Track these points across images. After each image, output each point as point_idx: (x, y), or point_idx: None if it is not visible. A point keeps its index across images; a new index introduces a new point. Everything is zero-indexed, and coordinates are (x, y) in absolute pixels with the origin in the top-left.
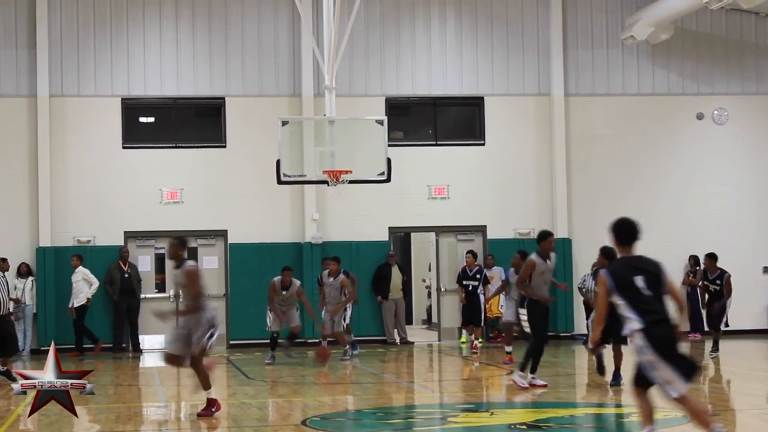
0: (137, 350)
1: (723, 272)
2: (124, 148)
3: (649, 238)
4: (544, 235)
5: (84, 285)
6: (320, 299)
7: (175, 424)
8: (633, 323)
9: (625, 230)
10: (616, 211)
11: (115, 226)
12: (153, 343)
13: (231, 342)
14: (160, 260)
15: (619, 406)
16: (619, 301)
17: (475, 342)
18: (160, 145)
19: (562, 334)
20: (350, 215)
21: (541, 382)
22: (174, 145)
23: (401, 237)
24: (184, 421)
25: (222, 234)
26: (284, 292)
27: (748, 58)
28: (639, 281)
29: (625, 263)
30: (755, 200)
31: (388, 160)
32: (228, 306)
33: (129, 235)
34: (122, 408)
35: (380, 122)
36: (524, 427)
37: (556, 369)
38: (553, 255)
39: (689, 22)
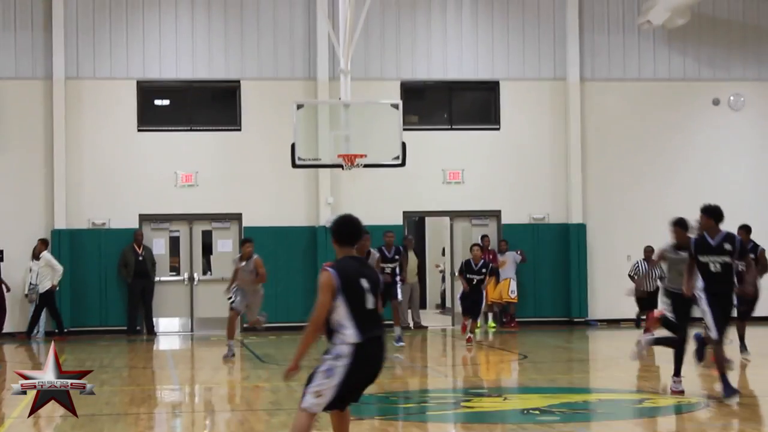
0: (151, 333)
1: (756, 245)
2: (139, 130)
3: (664, 223)
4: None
5: (48, 270)
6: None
7: (189, 406)
8: (347, 335)
9: (347, 229)
10: (631, 196)
11: (130, 209)
12: (167, 326)
13: (244, 326)
14: (174, 243)
15: (632, 391)
16: (339, 305)
17: (470, 335)
18: (175, 128)
19: (576, 320)
20: (365, 199)
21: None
22: (189, 128)
23: (415, 221)
24: (198, 403)
25: (237, 217)
26: (243, 263)
27: (765, 44)
28: (364, 283)
29: (346, 263)
30: None
31: (403, 144)
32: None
33: (144, 218)
34: (136, 390)
35: (395, 106)
36: (537, 412)
37: (570, 354)
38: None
39: (706, 6)
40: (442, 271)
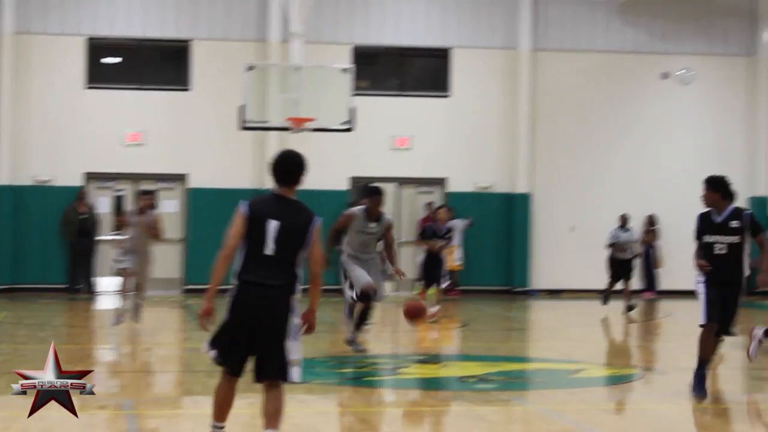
0: (92, 292)
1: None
2: (87, 88)
3: (609, 195)
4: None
5: None
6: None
7: (128, 366)
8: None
9: (280, 166)
10: (577, 168)
11: (75, 167)
12: (108, 285)
13: (187, 287)
14: (119, 202)
15: (569, 361)
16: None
17: (434, 308)
18: (124, 87)
19: (517, 289)
20: (312, 164)
21: None
22: (138, 87)
23: (362, 187)
24: (137, 364)
25: (182, 178)
26: (139, 218)
27: (715, 19)
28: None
29: (267, 199)
30: (716, 160)
31: (352, 110)
32: (187, 251)
33: (89, 177)
34: (74, 349)
35: (346, 71)
36: (474, 379)
37: (510, 323)
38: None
39: None
40: None
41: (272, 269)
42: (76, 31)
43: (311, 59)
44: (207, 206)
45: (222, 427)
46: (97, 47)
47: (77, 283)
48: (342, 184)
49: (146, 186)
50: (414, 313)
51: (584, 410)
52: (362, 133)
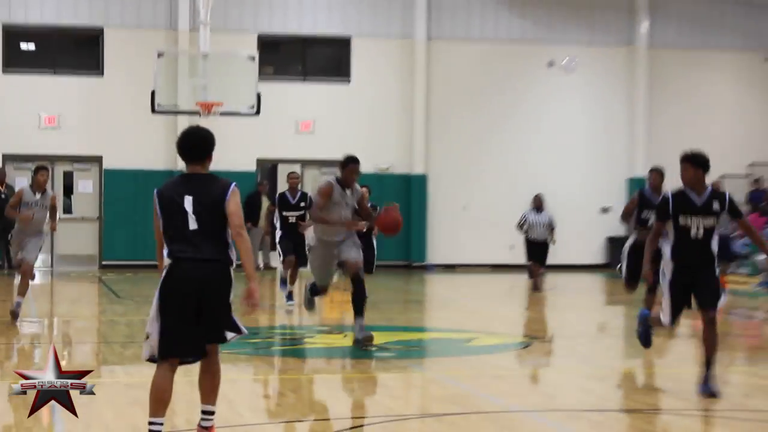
0: (12, 268)
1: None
2: (4, 72)
3: (500, 176)
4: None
5: None
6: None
7: (47, 338)
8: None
9: (181, 143)
10: (469, 151)
11: None
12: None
13: (103, 263)
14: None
15: (463, 331)
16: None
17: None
18: (40, 71)
19: (415, 264)
20: (220, 146)
21: None
22: (53, 71)
23: (269, 168)
24: (56, 335)
25: (97, 160)
26: (37, 196)
27: (597, 11)
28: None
29: (176, 180)
30: (599, 145)
31: (258, 95)
32: (101, 229)
33: (7, 158)
34: None
35: (252, 58)
36: (374, 348)
37: (408, 296)
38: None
39: None
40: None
41: (200, 244)
42: None
43: (219, 47)
44: (121, 187)
45: (161, 424)
46: (14, 33)
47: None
48: (250, 166)
49: (64, 168)
50: (391, 226)
51: (476, 376)
52: (268, 118)
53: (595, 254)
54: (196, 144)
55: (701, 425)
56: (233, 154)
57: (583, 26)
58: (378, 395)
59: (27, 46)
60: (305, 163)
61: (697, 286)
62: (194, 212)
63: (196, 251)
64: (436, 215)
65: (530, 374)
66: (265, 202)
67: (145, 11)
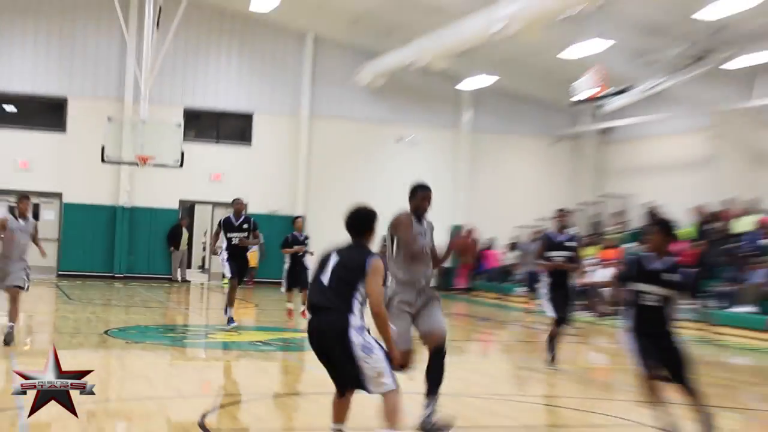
0: None
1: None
2: None
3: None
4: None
5: None
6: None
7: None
8: None
9: (349, 221)
10: (342, 200)
11: None
12: None
13: (59, 273)
14: (11, 212)
15: None
16: None
17: (304, 307)
18: (19, 127)
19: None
20: (153, 189)
21: None
22: (29, 127)
23: (188, 207)
24: (21, 325)
25: (59, 195)
26: (20, 222)
27: (434, 101)
28: None
29: (340, 245)
30: (433, 201)
31: (182, 152)
32: (59, 247)
33: None
34: None
35: (179, 125)
36: (260, 343)
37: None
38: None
39: (399, 73)
40: (204, 243)
41: (324, 298)
42: None
43: (154, 115)
44: (76, 216)
45: (340, 430)
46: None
47: None
48: (174, 204)
49: (33, 201)
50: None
51: None
52: (189, 169)
53: None
54: (353, 224)
55: None
56: (161, 195)
57: (424, 112)
58: (260, 378)
59: (9, 108)
60: (215, 205)
61: None
62: (332, 270)
63: (323, 305)
64: (312, 246)
65: None
66: (185, 233)
67: (99, 85)
